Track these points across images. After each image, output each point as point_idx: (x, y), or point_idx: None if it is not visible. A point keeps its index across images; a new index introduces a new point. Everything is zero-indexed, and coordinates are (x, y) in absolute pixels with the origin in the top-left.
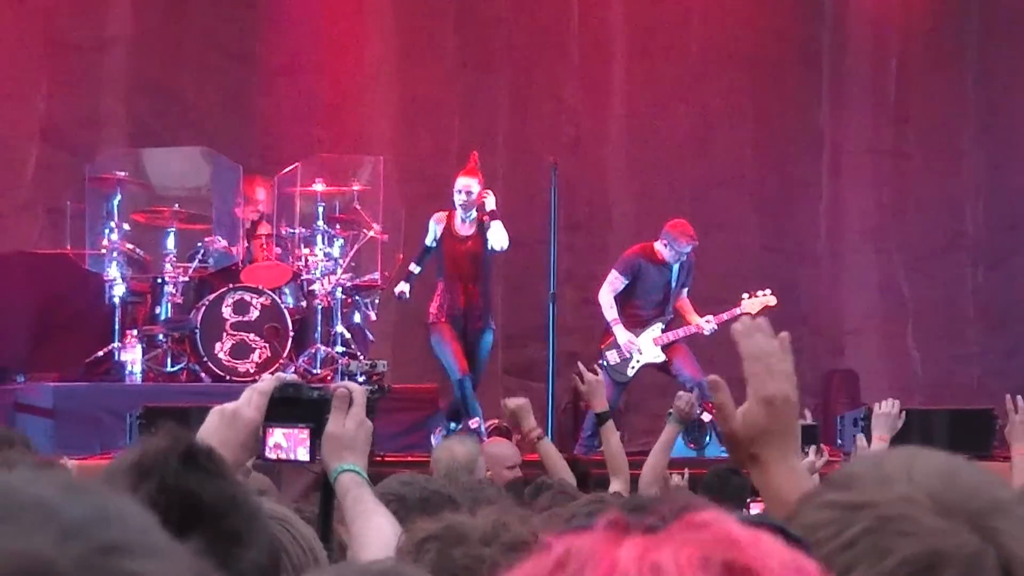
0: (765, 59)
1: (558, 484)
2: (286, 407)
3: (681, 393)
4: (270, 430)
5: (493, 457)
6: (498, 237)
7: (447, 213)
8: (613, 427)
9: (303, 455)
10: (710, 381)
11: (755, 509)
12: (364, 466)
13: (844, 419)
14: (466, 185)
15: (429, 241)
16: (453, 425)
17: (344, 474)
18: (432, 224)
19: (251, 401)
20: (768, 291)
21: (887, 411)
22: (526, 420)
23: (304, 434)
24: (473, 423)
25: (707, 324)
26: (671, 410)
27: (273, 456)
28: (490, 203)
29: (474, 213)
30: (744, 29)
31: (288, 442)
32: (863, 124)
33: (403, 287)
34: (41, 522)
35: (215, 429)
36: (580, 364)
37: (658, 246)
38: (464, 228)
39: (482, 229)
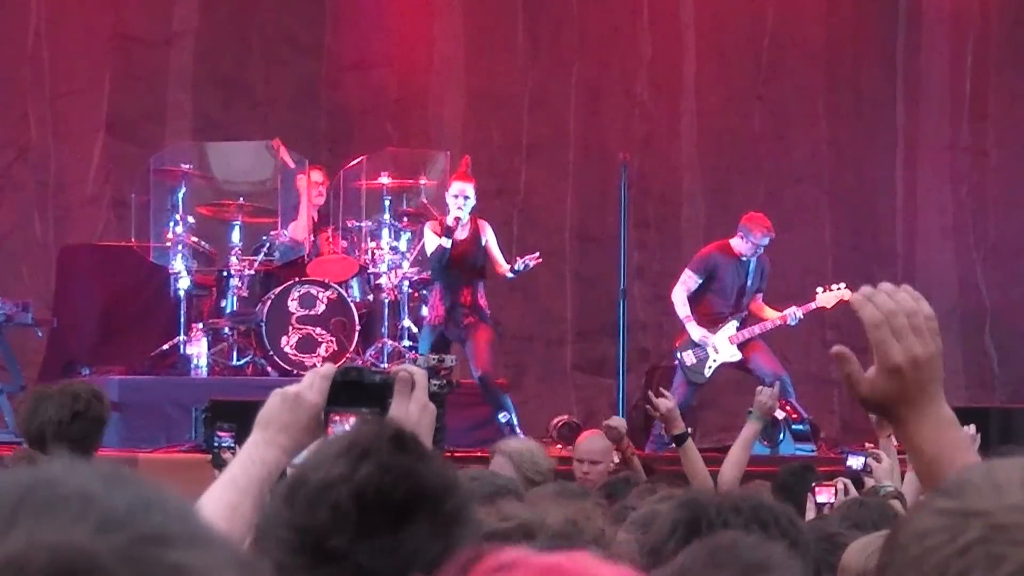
0: (839, 55)
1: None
2: (348, 391)
3: (762, 388)
4: (332, 415)
5: (583, 452)
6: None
7: (438, 220)
8: (692, 446)
9: None
10: (836, 353)
11: (820, 495)
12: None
13: None
14: (462, 189)
15: (444, 242)
16: (502, 417)
17: None
18: (428, 233)
19: (313, 385)
20: (843, 284)
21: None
22: (626, 438)
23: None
24: (503, 417)
25: (792, 314)
26: (752, 408)
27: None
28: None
29: (467, 217)
30: (818, 24)
31: (351, 427)
32: (939, 121)
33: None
34: (81, 513)
35: (277, 412)
36: (651, 393)
37: (734, 241)
38: (459, 232)
39: (475, 233)
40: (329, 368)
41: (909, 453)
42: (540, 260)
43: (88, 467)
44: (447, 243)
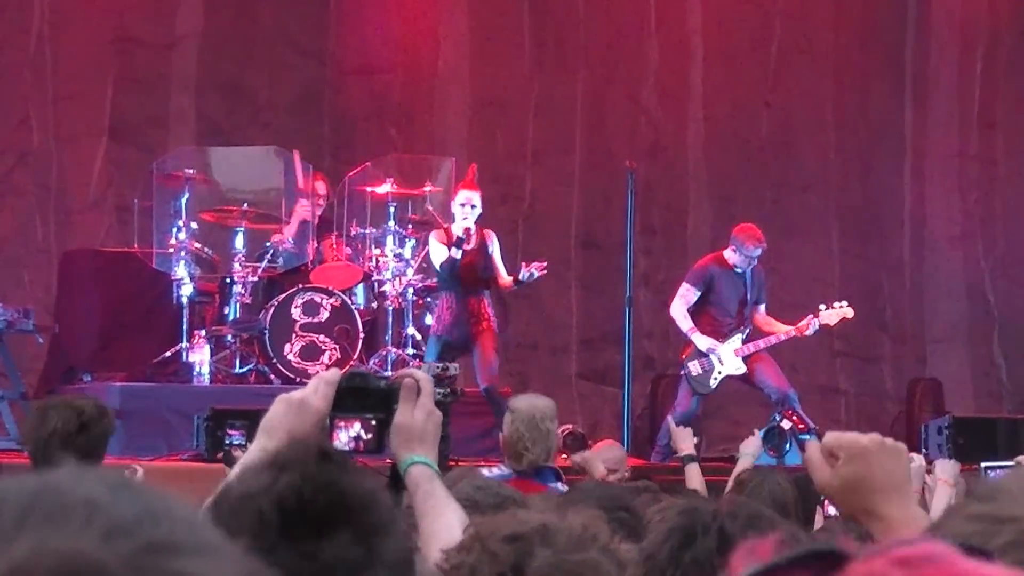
0: (847, 61)
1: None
2: (353, 397)
3: (751, 437)
4: (337, 421)
5: (592, 464)
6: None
7: (444, 229)
8: (697, 470)
9: (371, 447)
10: (806, 447)
11: (831, 507)
12: (435, 458)
13: (928, 428)
14: (468, 198)
15: (455, 253)
16: None
17: (414, 467)
18: (435, 243)
19: (318, 390)
20: (845, 303)
21: (955, 464)
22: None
23: (372, 424)
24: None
25: (810, 323)
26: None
27: (339, 446)
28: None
29: (473, 227)
30: (826, 31)
31: (356, 433)
32: (948, 129)
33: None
34: (88, 521)
35: (281, 418)
36: (669, 419)
37: (727, 253)
38: (469, 242)
39: (482, 242)
40: (334, 373)
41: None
42: (546, 271)
43: (95, 474)
44: (457, 254)
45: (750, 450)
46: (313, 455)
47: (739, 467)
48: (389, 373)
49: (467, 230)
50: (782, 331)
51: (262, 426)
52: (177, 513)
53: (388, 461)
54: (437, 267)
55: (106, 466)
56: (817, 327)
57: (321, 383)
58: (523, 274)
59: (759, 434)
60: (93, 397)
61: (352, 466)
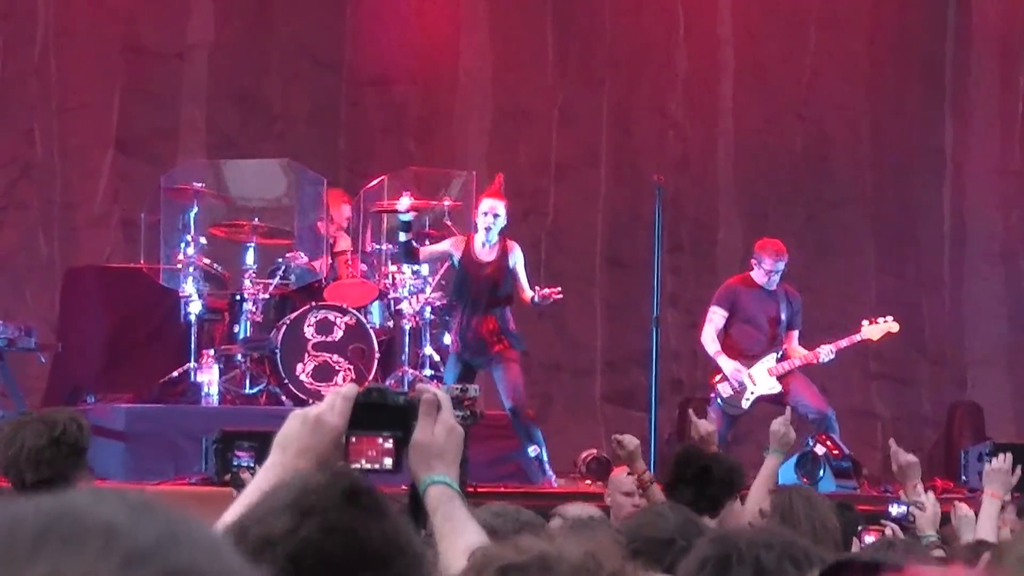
0: (884, 73)
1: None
2: (371, 414)
3: (777, 419)
4: (352, 438)
5: (614, 484)
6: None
7: (466, 237)
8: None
9: (389, 465)
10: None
11: (868, 538)
12: (456, 477)
13: (968, 454)
14: (492, 207)
15: (452, 249)
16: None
17: (433, 487)
18: (446, 241)
19: (334, 406)
20: (890, 317)
21: (999, 467)
22: (639, 461)
23: (389, 443)
24: (532, 451)
25: (825, 351)
26: (768, 445)
27: (358, 466)
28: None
29: (496, 238)
30: (862, 42)
31: (372, 451)
32: (989, 143)
33: None
34: (107, 547)
35: (296, 435)
36: (691, 412)
37: (754, 272)
38: (485, 253)
39: (502, 255)
40: (351, 389)
41: None
42: (561, 296)
43: (115, 496)
44: (402, 237)
45: (777, 445)
46: (338, 498)
47: (767, 467)
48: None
49: (409, 208)
50: (798, 355)
51: (277, 441)
52: (200, 538)
53: (404, 487)
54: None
55: (126, 487)
56: (832, 354)
57: (338, 399)
58: (537, 297)
59: (787, 417)
60: (71, 411)
61: (378, 508)
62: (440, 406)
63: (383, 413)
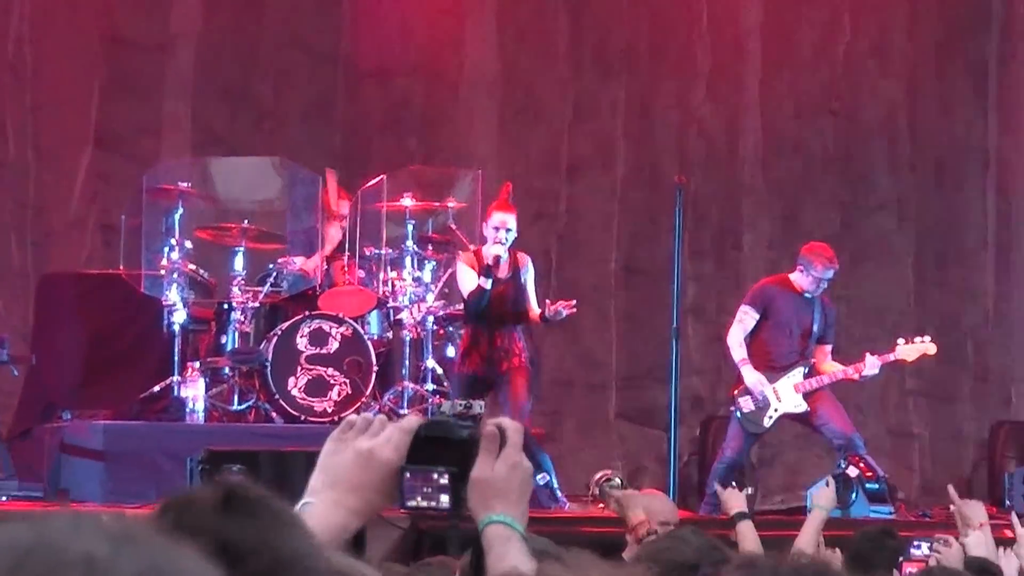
0: (924, 66)
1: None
2: (430, 448)
3: (823, 491)
4: (408, 474)
5: (649, 511)
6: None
7: (475, 252)
8: (751, 527)
9: (446, 503)
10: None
11: (908, 570)
12: (519, 516)
13: (1013, 477)
14: (503, 221)
15: (484, 283)
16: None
17: (492, 527)
18: (464, 268)
19: (391, 439)
20: (927, 338)
21: None
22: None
23: (445, 478)
24: (541, 479)
25: (871, 364)
26: (811, 494)
27: (413, 504)
28: None
29: (507, 254)
30: (900, 33)
31: (428, 487)
32: None
33: None
34: None
35: (346, 470)
36: (719, 487)
37: (795, 276)
38: (498, 270)
39: (515, 270)
40: (412, 421)
41: None
42: (575, 310)
43: (94, 525)
44: (487, 284)
45: (824, 502)
46: (215, 502)
47: (814, 521)
48: (405, 411)
49: (497, 258)
50: (837, 371)
51: (325, 478)
52: (186, 570)
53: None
54: (465, 295)
55: (108, 514)
56: (877, 368)
57: (396, 431)
58: (548, 312)
59: (832, 483)
60: None
61: (253, 512)
62: (505, 440)
63: (444, 447)
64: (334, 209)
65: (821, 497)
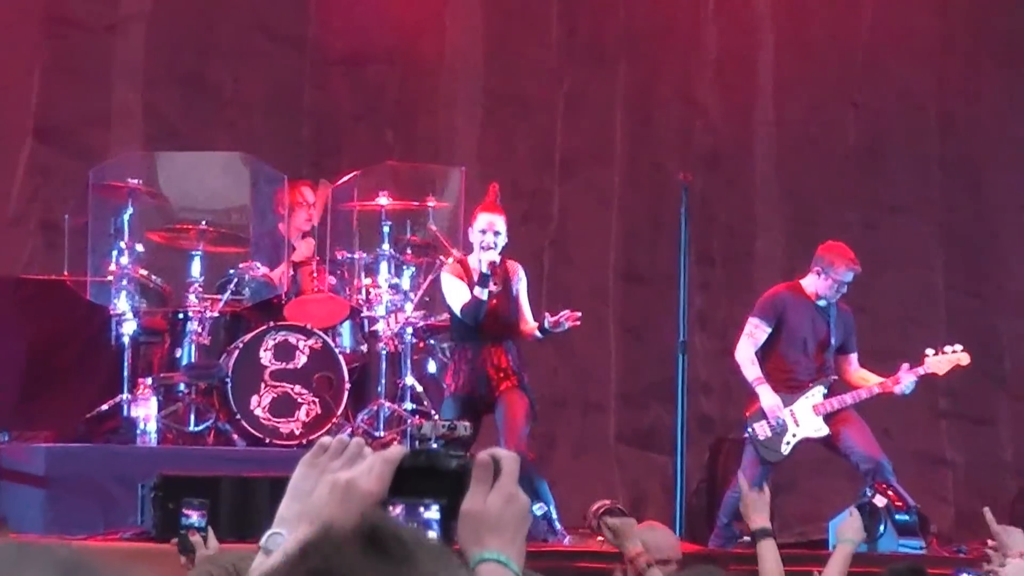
0: (955, 52)
1: None
2: (416, 479)
3: (849, 524)
4: (394, 506)
5: (647, 545)
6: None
7: (459, 260)
8: (773, 546)
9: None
10: None
11: None
12: (516, 554)
13: None
14: (491, 223)
15: (480, 293)
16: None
17: (484, 565)
18: (451, 279)
19: (372, 470)
20: (959, 347)
21: None
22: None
23: (433, 511)
24: (538, 509)
25: (907, 380)
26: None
27: None
28: None
29: (498, 260)
30: (928, 16)
31: (415, 523)
32: None
33: None
34: None
35: (323, 503)
36: (741, 476)
37: (808, 281)
38: (498, 277)
39: (506, 279)
40: (397, 452)
41: None
42: (579, 322)
43: (42, 555)
44: (483, 294)
45: (851, 535)
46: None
47: (840, 555)
48: (381, 433)
49: (492, 264)
50: (869, 385)
51: (300, 509)
52: None
53: None
54: (457, 312)
55: (56, 543)
56: (914, 383)
57: (378, 461)
58: (548, 323)
59: (856, 514)
60: None
61: (406, 555)
62: (499, 471)
63: (431, 478)
64: (315, 224)
65: (847, 530)
